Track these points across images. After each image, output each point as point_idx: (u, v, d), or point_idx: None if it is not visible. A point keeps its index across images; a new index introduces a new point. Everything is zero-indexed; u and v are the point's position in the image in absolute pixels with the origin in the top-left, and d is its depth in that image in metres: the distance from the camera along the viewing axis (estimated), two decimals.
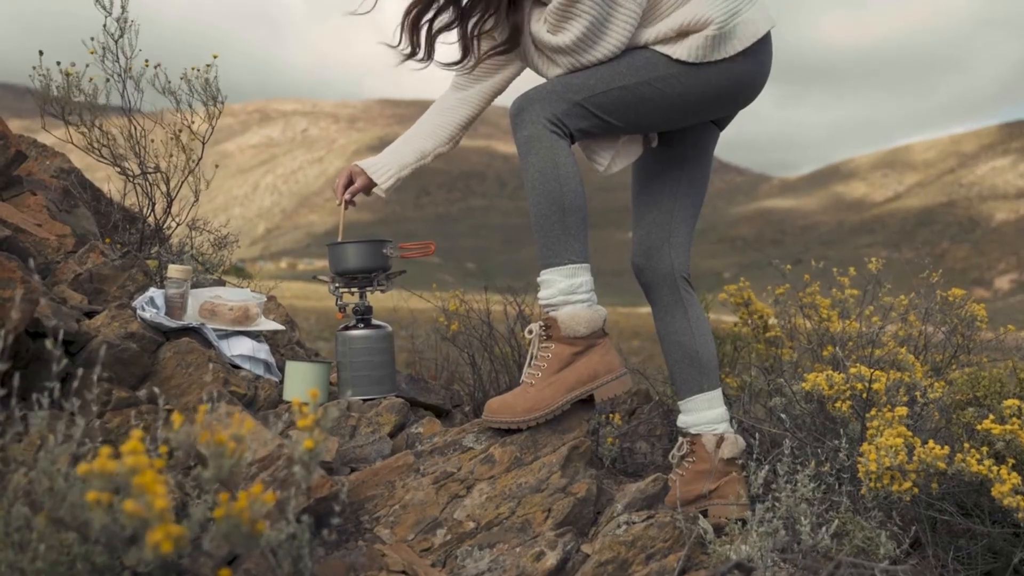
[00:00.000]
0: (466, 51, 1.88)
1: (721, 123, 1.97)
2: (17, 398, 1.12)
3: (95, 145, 2.50)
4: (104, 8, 2.41)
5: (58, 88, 2.44)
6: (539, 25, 1.77)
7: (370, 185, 2.07)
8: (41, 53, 2.46)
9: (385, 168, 2.04)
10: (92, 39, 2.44)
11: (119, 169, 2.56)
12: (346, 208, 2.08)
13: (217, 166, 2.88)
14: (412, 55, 1.93)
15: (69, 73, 2.45)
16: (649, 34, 1.74)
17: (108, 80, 2.49)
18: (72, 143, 2.52)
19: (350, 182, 2.07)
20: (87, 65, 2.49)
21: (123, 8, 2.44)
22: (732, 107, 1.87)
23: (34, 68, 2.42)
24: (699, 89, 1.75)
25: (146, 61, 2.53)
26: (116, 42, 2.47)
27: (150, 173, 2.58)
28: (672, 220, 1.96)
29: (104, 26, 2.43)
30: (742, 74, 1.77)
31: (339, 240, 2.08)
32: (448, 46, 1.93)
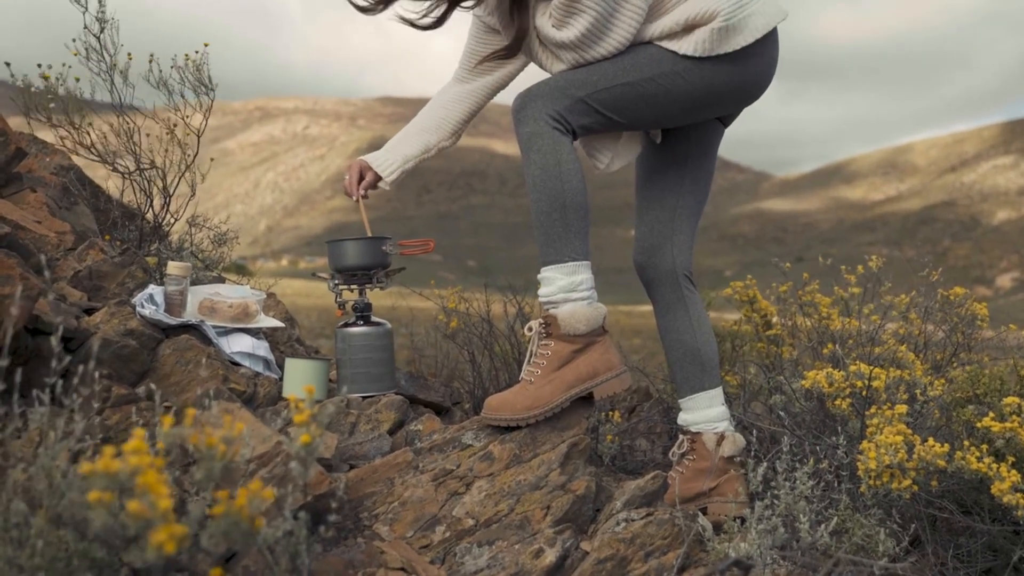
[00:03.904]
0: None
1: (726, 120, 1.96)
2: (17, 394, 1.12)
3: (84, 144, 2.51)
4: (80, 4, 2.40)
5: (41, 90, 2.44)
6: (544, 20, 1.76)
7: (378, 179, 2.09)
8: (8, 64, 2.46)
9: (389, 162, 2.07)
10: (74, 40, 2.44)
11: (112, 166, 2.56)
12: (359, 202, 2.10)
13: (212, 159, 2.87)
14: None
15: (46, 77, 2.44)
16: (654, 29, 1.73)
17: (94, 76, 2.49)
18: (59, 146, 2.52)
19: (361, 177, 2.08)
20: (68, 66, 2.48)
21: (100, 3, 2.43)
22: (737, 104, 1.86)
23: (12, 76, 2.42)
24: (704, 86, 1.73)
25: (128, 55, 2.52)
26: (98, 39, 2.47)
27: (146, 169, 2.58)
28: (675, 217, 1.95)
29: (85, 25, 2.43)
30: (747, 71, 1.76)
31: (367, 234, 2.10)
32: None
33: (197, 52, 2.58)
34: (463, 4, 1.85)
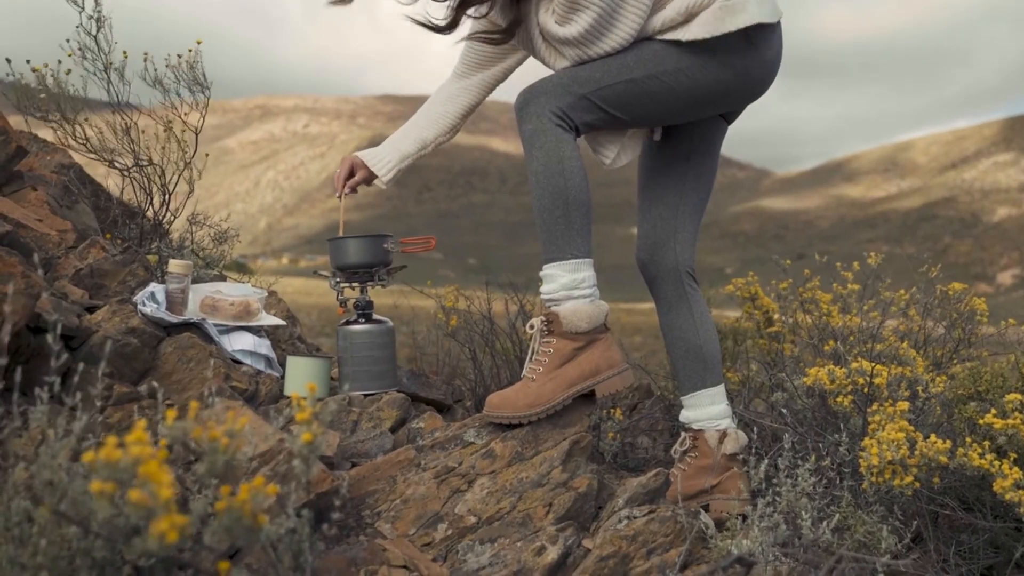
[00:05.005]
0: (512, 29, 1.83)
1: (729, 117, 1.95)
2: (18, 393, 1.12)
3: (79, 141, 2.51)
4: (76, 4, 2.41)
5: (33, 85, 2.45)
6: (547, 16, 1.75)
7: (371, 177, 2.06)
8: (9, 61, 2.47)
9: (386, 160, 2.04)
10: (68, 41, 2.45)
11: (109, 163, 2.56)
12: (341, 199, 2.08)
13: (208, 155, 2.86)
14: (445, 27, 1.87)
15: (37, 70, 2.45)
16: (656, 23, 1.72)
17: (90, 75, 2.50)
18: (60, 144, 2.53)
19: (351, 174, 2.06)
20: (59, 62, 2.49)
21: (96, 3, 2.45)
22: (740, 101, 1.85)
23: (9, 73, 2.43)
24: (707, 82, 1.73)
25: (124, 53, 2.53)
26: (95, 38, 2.47)
27: (144, 166, 2.59)
28: (678, 215, 1.95)
29: (79, 24, 2.44)
30: (750, 68, 1.75)
31: (340, 234, 2.07)
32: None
33: (190, 51, 2.58)
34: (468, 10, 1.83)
